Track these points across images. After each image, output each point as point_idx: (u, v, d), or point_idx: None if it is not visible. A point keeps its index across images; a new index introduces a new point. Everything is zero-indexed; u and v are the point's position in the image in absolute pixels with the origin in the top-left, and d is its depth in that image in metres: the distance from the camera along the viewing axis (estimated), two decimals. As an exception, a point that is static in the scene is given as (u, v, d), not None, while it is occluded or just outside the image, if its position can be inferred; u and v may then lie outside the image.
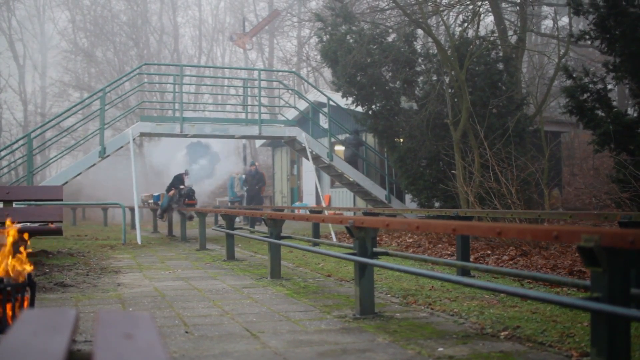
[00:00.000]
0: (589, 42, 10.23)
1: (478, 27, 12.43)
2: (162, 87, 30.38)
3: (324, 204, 14.71)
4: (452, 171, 11.03)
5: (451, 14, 15.22)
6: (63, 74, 37.10)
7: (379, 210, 11.50)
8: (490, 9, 13.16)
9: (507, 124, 11.12)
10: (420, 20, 11.71)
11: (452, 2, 12.03)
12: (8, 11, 37.94)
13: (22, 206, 8.12)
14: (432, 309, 4.74)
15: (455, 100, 11.49)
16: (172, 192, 13.09)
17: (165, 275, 6.90)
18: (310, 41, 27.62)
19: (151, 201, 15.51)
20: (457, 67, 10.89)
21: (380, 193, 14.40)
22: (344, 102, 13.97)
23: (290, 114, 17.72)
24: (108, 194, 22.00)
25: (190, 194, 12.82)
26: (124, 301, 5.15)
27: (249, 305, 4.92)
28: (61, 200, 7.00)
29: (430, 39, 12.77)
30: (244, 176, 20.10)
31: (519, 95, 12.27)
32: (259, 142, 25.41)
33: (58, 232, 6.73)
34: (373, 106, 13.36)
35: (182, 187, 13.02)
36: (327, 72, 25.18)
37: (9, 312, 3.10)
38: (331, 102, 14.36)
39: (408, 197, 14.64)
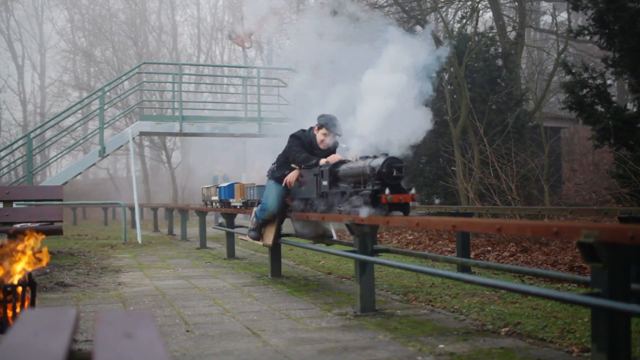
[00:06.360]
0: (588, 38, 10.23)
1: (477, 24, 12.43)
2: (162, 86, 30.31)
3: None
4: (452, 168, 11.02)
5: (450, 10, 15.22)
6: (62, 74, 37.07)
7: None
8: (488, 5, 13.13)
9: (506, 120, 11.12)
10: (419, 17, 11.69)
11: (450, -1, 12.03)
12: (6, 11, 37.85)
13: (22, 206, 8.12)
14: (432, 305, 4.74)
15: (455, 96, 11.48)
16: (294, 175, 5.59)
17: (166, 274, 6.90)
18: (309, 39, 27.53)
19: (215, 198, 9.06)
20: (456, 63, 10.88)
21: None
22: (344, 100, 13.93)
23: (290, 111, 17.67)
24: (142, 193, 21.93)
25: (397, 174, 4.18)
26: (124, 300, 5.15)
27: (249, 303, 4.92)
28: (61, 200, 6.99)
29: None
30: None
31: (518, 91, 12.26)
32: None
33: (58, 231, 6.73)
34: (373, 103, 13.32)
35: (329, 159, 5.13)
36: (327, 70, 25.12)
37: (10, 312, 3.10)
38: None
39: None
